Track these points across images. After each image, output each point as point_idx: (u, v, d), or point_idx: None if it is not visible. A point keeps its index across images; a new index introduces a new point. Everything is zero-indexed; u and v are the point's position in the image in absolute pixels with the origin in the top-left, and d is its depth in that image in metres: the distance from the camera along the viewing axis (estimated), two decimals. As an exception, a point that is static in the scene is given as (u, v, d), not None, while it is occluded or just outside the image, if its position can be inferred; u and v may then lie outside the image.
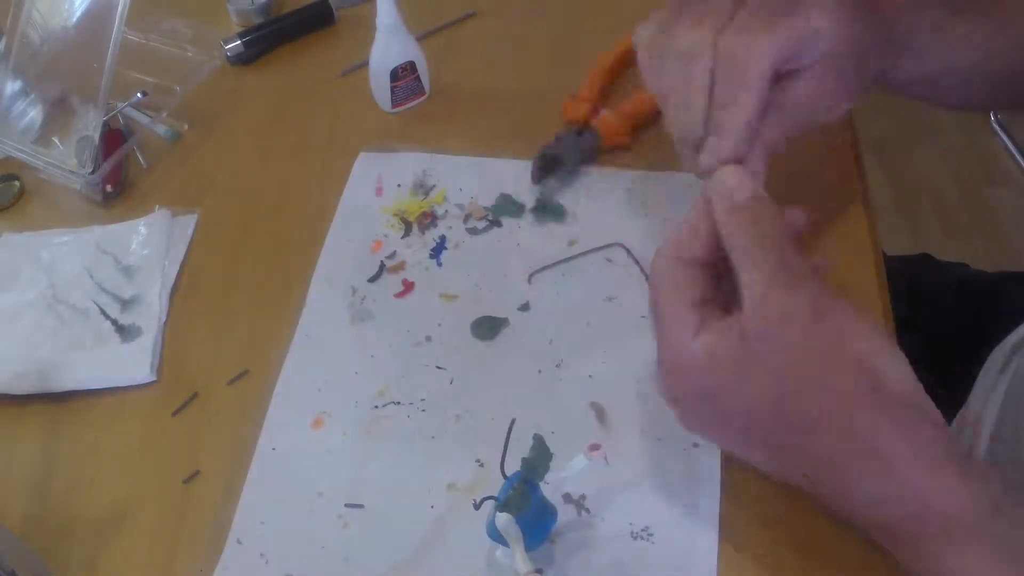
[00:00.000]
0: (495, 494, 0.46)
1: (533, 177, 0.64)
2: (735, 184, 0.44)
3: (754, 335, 0.39)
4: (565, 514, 0.49)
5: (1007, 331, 0.62)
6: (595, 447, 0.46)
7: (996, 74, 0.54)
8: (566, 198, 0.65)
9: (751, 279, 0.40)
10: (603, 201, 0.64)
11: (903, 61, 0.51)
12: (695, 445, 0.51)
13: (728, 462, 0.50)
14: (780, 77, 0.46)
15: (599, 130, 0.66)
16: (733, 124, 0.45)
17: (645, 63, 0.50)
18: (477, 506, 0.45)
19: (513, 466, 0.46)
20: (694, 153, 0.49)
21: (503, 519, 0.44)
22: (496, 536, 0.46)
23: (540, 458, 0.47)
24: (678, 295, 0.43)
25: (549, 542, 0.48)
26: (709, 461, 0.50)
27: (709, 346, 0.41)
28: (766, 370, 0.39)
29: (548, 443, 0.48)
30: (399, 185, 0.67)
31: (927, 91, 0.55)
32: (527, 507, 0.45)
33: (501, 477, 0.46)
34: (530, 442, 0.48)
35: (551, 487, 0.48)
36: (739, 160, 0.45)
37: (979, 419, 0.60)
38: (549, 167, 0.65)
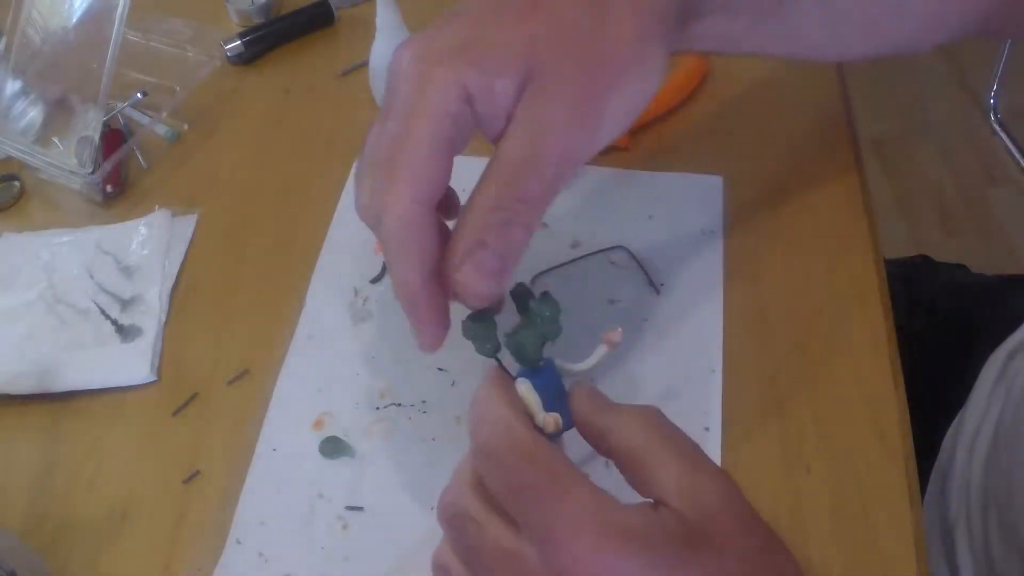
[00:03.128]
0: None
1: None
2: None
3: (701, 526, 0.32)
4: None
5: (1006, 335, 0.62)
6: (612, 337, 0.41)
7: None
8: (565, 196, 0.65)
9: (667, 474, 0.33)
10: (606, 202, 0.64)
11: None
12: (695, 446, 0.51)
13: (726, 463, 0.50)
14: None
15: (599, 131, 0.66)
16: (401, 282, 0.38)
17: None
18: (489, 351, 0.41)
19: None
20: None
21: (523, 385, 0.39)
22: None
23: (548, 305, 0.41)
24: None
25: None
26: (709, 462, 0.50)
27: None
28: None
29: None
30: (399, 185, 0.67)
31: (767, 28, 0.46)
32: (536, 355, 0.40)
33: None
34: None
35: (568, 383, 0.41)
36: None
37: (979, 425, 0.60)
38: None
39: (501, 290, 0.39)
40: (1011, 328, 0.61)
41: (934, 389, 0.55)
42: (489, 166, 0.38)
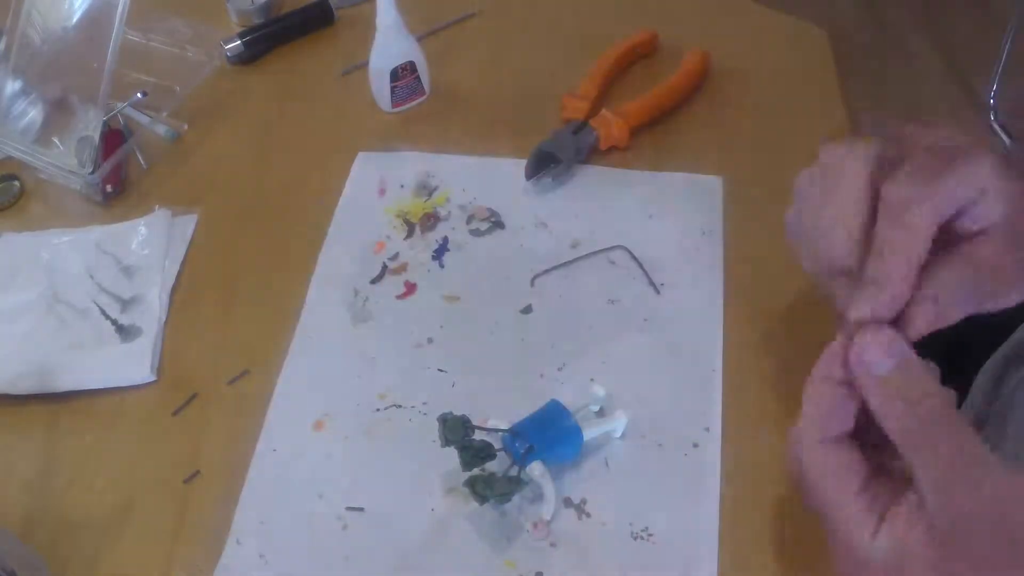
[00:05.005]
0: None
1: (527, 173, 0.64)
2: (877, 354, 0.39)
3: (944, 536, 0.35)
4: (566, 518, 0.49)
5: (998, 344, 0.61)
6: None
7: None
8: (565, 196, 0.65)
9: (927, 473, 0.36)
10: (605, 202, 0.64)
11: None
12: (695, 445, 0.51)
13: (726, 463, 0.50)
14: (950, 240, 0.44)
15: (597, 130, 0.66)
16: (893, 270, 0.41)
17: (798, 194, 0.50)
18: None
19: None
20: (843, 288, 0.45)
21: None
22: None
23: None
24: (841, 487, 0.38)
25: (550, 545, 0.48)
26: (709, 462, 0.50)
27: (897, 548, 0.36)
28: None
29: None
30: (402, 186, 0.67)
31: None
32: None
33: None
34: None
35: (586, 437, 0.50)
36: (893, 315, 0.42)
37: None
38: (544, 163, 0.65)
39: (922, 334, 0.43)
40: (1003, 337, 0.61)
41: None
42: (954, 260, 0.43)
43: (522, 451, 0.48)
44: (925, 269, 0.42)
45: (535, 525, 0.48)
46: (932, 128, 0.46)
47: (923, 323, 0.42)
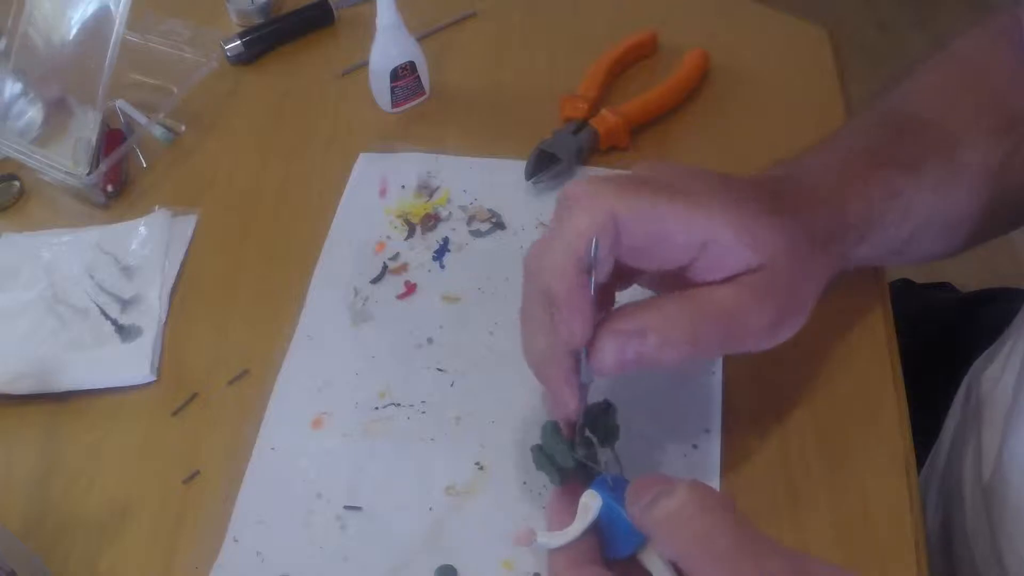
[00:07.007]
0: (499, 495, 0.45)
1: (527, 173, 0.65)
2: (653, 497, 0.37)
3: None
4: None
5: (985, 347, 0.61)
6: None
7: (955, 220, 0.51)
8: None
9: None
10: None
11: (867, 238, 0.48)
12: (694, 447, 0.51)
13: (726, 464, 0.50)
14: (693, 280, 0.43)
15: (597, 129, 0.66)
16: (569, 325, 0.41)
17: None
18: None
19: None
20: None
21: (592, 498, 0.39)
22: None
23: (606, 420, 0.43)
24: None
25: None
26: (709, 463, 0.50)
27: None
28: None
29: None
30: (403, 186, 0.67)
31: (895, 258, 0.52)
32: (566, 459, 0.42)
33: (500, 479, 0.46)
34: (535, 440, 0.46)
35: None
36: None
37: (954, 439, 0.59)
38: (544, 164, 0.65)
39: (616, 371, 0.42)
40: (990, 340, 0.61)
41: (917, 412, 0.55)
42: (686, 298, 0.42)
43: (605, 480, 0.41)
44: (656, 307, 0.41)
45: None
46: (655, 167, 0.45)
47: (613, 358, 0.41)
